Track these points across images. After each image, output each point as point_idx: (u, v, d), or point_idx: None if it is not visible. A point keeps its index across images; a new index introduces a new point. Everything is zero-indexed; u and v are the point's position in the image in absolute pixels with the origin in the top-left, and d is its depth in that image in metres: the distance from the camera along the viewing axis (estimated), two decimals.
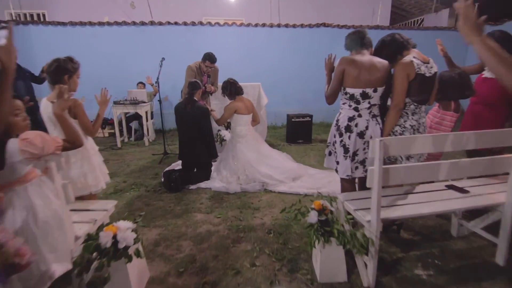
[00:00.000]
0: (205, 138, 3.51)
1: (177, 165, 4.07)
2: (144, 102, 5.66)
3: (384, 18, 8.32)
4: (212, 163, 3.79)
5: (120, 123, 6.15)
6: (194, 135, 3.49)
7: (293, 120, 5.34)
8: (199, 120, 3.42)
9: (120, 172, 4.11)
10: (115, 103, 5.40)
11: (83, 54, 6.65)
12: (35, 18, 7.43)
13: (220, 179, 3.57)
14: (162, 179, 3.51)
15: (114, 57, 6.70)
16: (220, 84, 4.48)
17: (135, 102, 5.40)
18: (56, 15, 7.25)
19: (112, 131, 6.59)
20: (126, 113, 6.00)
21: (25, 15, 7.41)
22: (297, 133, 5.39)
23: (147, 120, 5.93)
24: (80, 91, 6.89)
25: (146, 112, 5.82)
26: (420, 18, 9.07)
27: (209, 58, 4.03)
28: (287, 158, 3.99)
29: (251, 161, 3.48)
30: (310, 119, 5.41)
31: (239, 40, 6.94)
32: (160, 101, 4.66)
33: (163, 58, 4.64)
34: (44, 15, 7.56)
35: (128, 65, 6.76)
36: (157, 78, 4.53)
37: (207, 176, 3.62)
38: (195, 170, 3.67)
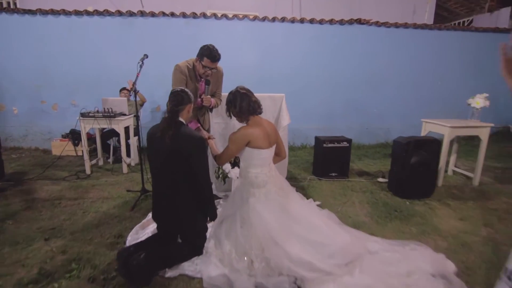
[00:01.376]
0: (197, 188, 2.04)
1: (151, 222, 2.60)
2: (124, 115, 4.24)
3: (428, 17, 6.86)
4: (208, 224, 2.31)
5: (94, 141, 4.76)
6: (178, 182, 2.02)
7: (325, 145, 3.85)
8: (186, 157, 1.96)
9: (65, 229, 2.64)
10: (83, 115, 3.99)
11: (55, 51, 5.30)
12: (5, 5, 6.13)
13: (219, 257, 2.09)
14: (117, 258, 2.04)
15: (93, 56, 5.34)
16: (225, 95, 3.09)
17: (109, 115, 3.97)
18: (30, 3, 5.94)
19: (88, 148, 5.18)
20: (102, 128, 4.59)
21: None
22: (329, 163, 3.90)
23: (128, 138, 4.51)
24: (50, 98, 5.48)
25: (127, 128, 4.40)
26: (468, 20, 7.58)
27: (209, 54, 2.56)
28: (330, 219, 2.48)
29: (274, 234, 1.99)
30: (348, 144, 3.93)
31: (252, 38, 5.53)
32: (136, 116, 3.23)
33: (146, 55, 3.23)
34: (15, 3, 6.26)
35: (111, 67, 5.39)
36: (134, 83, 3.10)
37: (197, 250, 2.15)
38: (177, 238, 2.20)
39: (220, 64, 2.84)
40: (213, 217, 2.18)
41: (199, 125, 2.68)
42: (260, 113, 2.20)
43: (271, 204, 2.11)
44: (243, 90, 2.17)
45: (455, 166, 4.24)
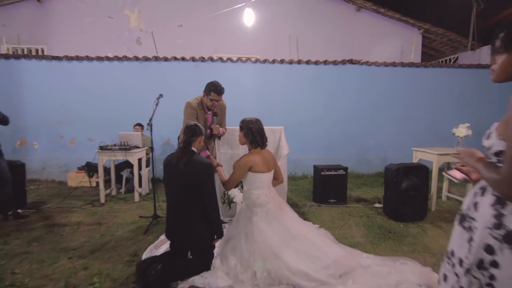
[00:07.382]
0: (206, 209, 2.34)
1: (165, 241, 2.86)
2: (138, 147, 4.64)
3: (415, 56, 7.48)
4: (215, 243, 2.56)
5: (108, 172, 5.11)
6: (189, 204, 2.33)
7: (322, 173, 4.16)
8: (197, 181, 2.29)
9: (86, 248, 2.91)
10: (102, 148, 4.39)
11: (77, 91, 5.88)
12: (34, 53, 6.86)
13: (226, 271, 2.32)
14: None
15: (112, 96, 5.89)
16: (231, 128, 3.51)
17: (125, 147, 4.37)
18: (57, 51, 6.66)
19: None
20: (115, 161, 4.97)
21: (22, 50, 6.87)
22: (328, 190, 4.18)
23: (140, 169, 4.87)
24: (69, 133, 5.93)
25: (140, 160, 4.77)
26: (453, 57, 8.21)
27: (215, 88, 3.05)
28: (327, 238, 2.73)
29: (274, 247, 2.25)
30: (344, 172, 4.23)
31: (255, 78, 6.09)
32: (151, 147, 3.62)
33: (161, 95, 3.71)
34: (43, 51, 7.01)
35: (128, 105, 5.91)
36: (150, 119, 3.52)
37: (206, 265, 2.38)
38: (188, 255, 2.45)
39: (226, 102, 3.31)
40: (220, 235, 2.45)
41: (209, 153, 3.07)
42: (266, 147, 2.56)
43: (272, 222, 2.39)
44: (259, 125, 2.53)
45: (449, 192, 4.48)
